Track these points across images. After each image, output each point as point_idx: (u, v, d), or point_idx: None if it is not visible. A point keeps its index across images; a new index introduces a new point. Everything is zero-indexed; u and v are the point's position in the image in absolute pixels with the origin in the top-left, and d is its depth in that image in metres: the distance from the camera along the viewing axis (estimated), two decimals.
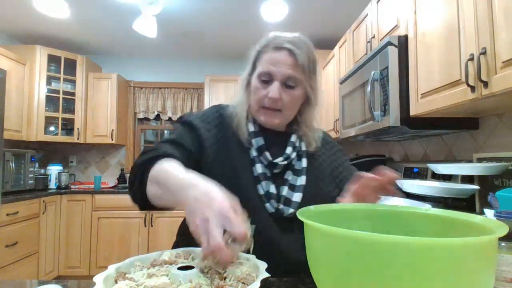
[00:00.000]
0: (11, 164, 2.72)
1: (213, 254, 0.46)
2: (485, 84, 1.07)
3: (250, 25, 3.11)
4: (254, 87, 0.82)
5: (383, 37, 1.86)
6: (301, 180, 0.81)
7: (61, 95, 3.38)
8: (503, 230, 0.37)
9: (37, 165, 3.19)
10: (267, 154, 0.81)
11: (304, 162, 0.84)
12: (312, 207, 0.56)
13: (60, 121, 3.37)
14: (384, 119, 1.62)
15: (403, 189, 1.55)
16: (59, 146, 3.74)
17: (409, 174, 1.96)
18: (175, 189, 0.57)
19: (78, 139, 3.46)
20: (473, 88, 1.12)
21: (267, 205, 0.77)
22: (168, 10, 2.76)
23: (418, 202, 1.55)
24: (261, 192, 0.77)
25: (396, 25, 1.71)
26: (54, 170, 3.37)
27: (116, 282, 0.50)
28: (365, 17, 2.15)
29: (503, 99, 1.14)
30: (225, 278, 0.51)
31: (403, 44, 1.57)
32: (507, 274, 0.51)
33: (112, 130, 3.56)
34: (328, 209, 0.58)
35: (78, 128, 3.47)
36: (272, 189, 0.78)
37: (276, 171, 0.81)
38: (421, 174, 1.85)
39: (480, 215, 0.49)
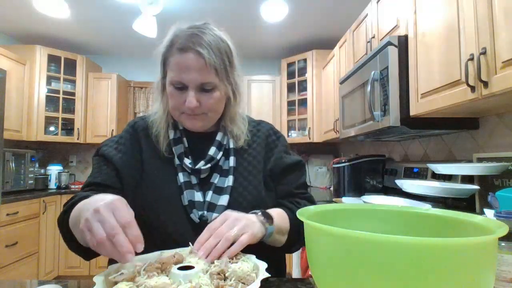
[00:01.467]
0: (11, 164, 2.72)
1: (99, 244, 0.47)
2: (485, 84, 1.07)
3: (250, 25, 3.11)
4: (169, 94, 0.74)
5: (383, 37, 1.86)
6: (229, 181, 0.76)
7: (61, 95, 3.38)
8: (503, 230, 0.37)
9: (37, 165, 3.19)
10: (187, 161, 0.76)
11: (231, 161, 0.79)
12: (312, 207, 0.56)
13: (60, 121, 3.37)
14: (384, 119, 1.62)
15: (403, 189, 1.55)
16: (59, 146, 3.74)
17: (409, 174, 1.96)
18: (78, 215, 0.57)
19: (78, 139, 3.46)
20: (473, 88, 1.12)
21: (192, 215, 0.73)
22: (168, 10, 2.76)
23: (418, 202, 1.55)
24: (185, 202, 0.73)
25: (396, 25, 1.71)
26: (54, 170, 3.37)
27: (116, 282, 0.49)
28: (365, 17, 2.15)
29: (503, 99, 1.14)
30: (225, 278, 0.51)
31: (403, 44, 1.57)
32: (507, 274, 0.52)
33: (112, 130, 3.56)
34: (328, 209, 0.58)
35: (78, 128, 3.47)
36: (198, 196, 0.74)
37: (203, 175, 0.77)
38: (421, 174, 1.85)
39: (480, 215, 0.49)
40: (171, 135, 0.79)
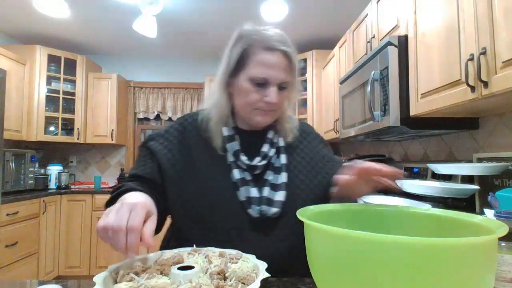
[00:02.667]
0: (11, 164, 2.72)
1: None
2: (485, 84, 1.07)
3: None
4: (245, 90, 0.77)
5: (383, 37, 1.86)
6: (282, 178, 0.79)
7: (61, 95, 3.38)
8: (503, 230, 0.37)
9: (37, 165, 3.20)
10: (244, 158, 0.78)
11: (283, 158, 0.82)
12: (312, 207, 0.56)
13: (60, 121, 3.37)
14: (384, 119, 1.62)
15: (403, 189, 1.55)
16: (59, 146, 3.74)
17: (409, 174, 1.96)
18: None
19: (78, 139, 3.47)
20: (473, 88, 1.12)
21: (250, 210, 0.75)
22: (168, 10, 2.76)
23: (418, 202, 1.55)
24: (242, 198, 0.75)
25: (396, 25, 1.71)
26: (54, 170, 3.37)
27: (116, 282, 0.50)
28: (365, 17, 2.15)
29: (503, 99, 1.14)
30: (225, 278, 0.51)
31: (403, 44, 1.57)
32: (507, 274, 0.52)
33: (112, 130, 3.56)
34: (328, 209, 0.58)
35: (78, 128, 3.47)
36: (254, 192, 0.76)
37: (256, 172, 0.79)
38: (421, 174, 1.85)
39: (480, 215, 0.49)
40: (225, 132, 0.81)
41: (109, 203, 0.72)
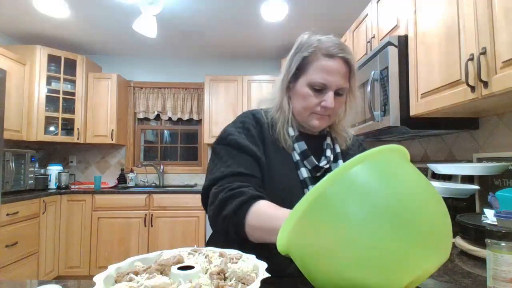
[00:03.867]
0: (11, 164, 2.72)
1: None
2: (485, 84, 1.07)
3: (250, 25, 3.11)
4: (304, 94, 0.81)
5: (383, 37, 1.86)
6: None
7: (61, 95, 3.38)
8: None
9: (37, 165, 3.20)
10: (313, 158, 0.82)
11: (340, 163, 0.86)
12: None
13: (60, 121, 3.37)
14: (384, 119, 1.62)
15: None
16: (59, 146, 3.74)
17: None
18: (274, 227, 0.58)
19: (78, 139, 3.47)
20: (473, 88, 1.12)
21: None
22: (168, 10, 2.76)
23: None
24: None
25: (396, 25, 1.71)
26: (54, 170, 3.37)
27: (116, 282, 0.50)
28: (365, 17, 2.15)
29: (503, 99, 1.14)
30: (225, 279, 0.51)
31: (403, 44, 1.57)
32: (507, 274, 0.52)
33: (112, 130, 3.56)
34: None
35: (78, 128, 3.47)
36: None
37: (318, 174, 0.83)
38: None
39: (480, 215, 0.49)
40: (292, 133, 0.85)
41: (233, 215, 0.69)
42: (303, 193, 0.78)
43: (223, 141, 0.82)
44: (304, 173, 0.80)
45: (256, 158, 0.79)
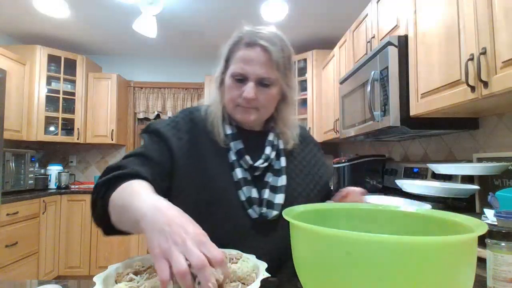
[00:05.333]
0: (11, 164, 2.72)
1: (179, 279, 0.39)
2: (485, 84, 1.07)
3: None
4: (228, 86, 0.78)
5: (383, 37, 1.86)
6: (282, 181, 0.79)
7: (61, 95, 3.38)
8: (482, 229, 0.38)
9: (37, 165, 3.19)
10: (248, 158, 0.78)
11: (283, 161, 0.82)
12: (301, 207, 0.56)
13: (60, 121, 3.37)
14: (384, 119, 1.62)
15: (403, 189, 1.55)
16: (59, 146, 3.74)
17: (409, 174, 1.96)
18: (137, 214, 0.49)
19: (78, 139, 3.47)
20: (473, 88, 1.12)
21: (250, 211, 0.75)
22: (168, 10, 2.76)
23: (418, 202, 1.55)
24: (243, 198, 0.75)
25: (396, 25, 1.71)
26: (54, 170, 3.37)
27: (116, 282, 0.49)
28: (365, 17, 2.15)
29: (503, 99, 1.14)
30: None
31: (403, 44, 1.57)
32: (507, 274, 0.52)
33: (112, 130, 3.56)
34: (315, 209, 0.58)
35: (78, 128, 3.47)
36: (254, 193, 0.76)
37: (256, 173, 0.79)
38: (421, 174, 1.85)
39: (480, 215, 0.49)
40: (228, 131, 0.81)
41: (103, 185, 0.62)
42: (237, 195, 0.75)
43: (147, 128, 0.81)
44: (238, 173, 0.76)
45: (171, 149, 0.76)
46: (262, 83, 0.76)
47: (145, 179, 0.63)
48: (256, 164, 0.78)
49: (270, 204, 0.76)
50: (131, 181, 0.60)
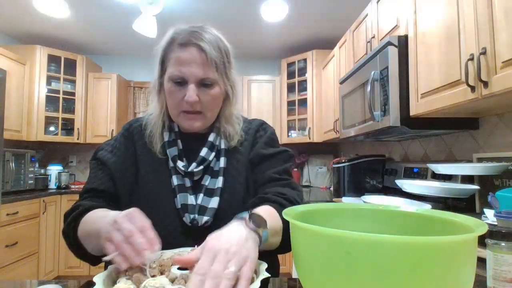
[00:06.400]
0: (11, 164, 2.72)
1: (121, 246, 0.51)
2: (485, 84, 1.07)
3: (250, 25, 3.11)
4: (168, 91, 0.74)
5: (383, 37, 1.86)
6: (219, 182, 0.76)
7: (61, 95, 3.38)
8: (482, 229, 0.38)
9: (37, 165, 3.19)
10: (180, 164, 0.76)
11: (222, 162, 0.78)
12: (300, 207, 0.56)
13: (60, 121, 3.37)
14: (384, 119, 1.62)
15: (403, 189, 1.55)
16: (59, 146, 3.74)
17: (409, 174, 1.96)
18: (92, 228, 0.61)
19: (78, 139, 3.46)
20: (473, 88, 1.12)
21: (184, 218, 0.73)
22: (168, 10, 2.76)
23: (418, 202, 1.55)
24: (178, 205, 0.74)
25: (396, 25, 1.71)
26: (54, 170, 3.37)
27: (116, 282, 0.49)
28: (365, 17, 2.15)
29: (503, 99, 1.14)
30: None
31: (403, 44, 1.57)
32: (507, 274, 0.52)
33: (112, 130, 3.56)
34: (315, 209, 0.58)
35: (78, 128, 3.47)
36: (191, 200, 0.74)
37: (196, 177, 0.77)
38: (421, 174, 1.85)
39: (480, 215, 0.49)
40: (166, 137, 0.79)
41: (68, 229, 0.71)
42: (174, 202, 0.74)
43: (93, 155, 0.83)
44: (175, 181, 0.75)
45: (111, 172, 0.78)
46: (203, 83, 0.73)
47: (100, 207, 0.71)
48: (190, 169, 0.76)
49: (203, 210, 0.74)
50: (87, 214, 0.68)
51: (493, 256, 0.53)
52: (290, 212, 0.51)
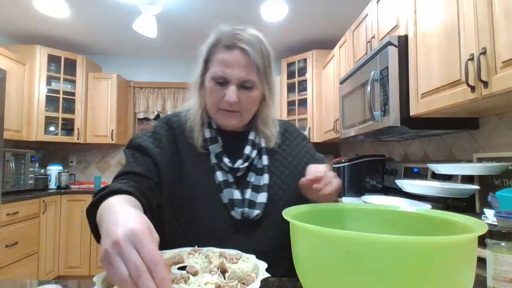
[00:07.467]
0: (11, 164, 2.72)
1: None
2: (485, 84, 1.07)
3: (250, 25, 3.10)
4: (209, 90, 0.77)
5: (383, 37, 1.86)
6: (264, 179, 0.79)
7: (61, 95, 3.38)
8: (482, 229, 0.38)
9: (37, 165, 3.19)
10: (226, 160, 0.78)
11: (265, 160, 0.81)
12: (301, 207, 0.56)
13: (60, 121, 3.37)
14: (384, 119, 1.62)
15: (403, 189, 1.55)
16: (59, 146, 3.74)
17: (409, 174, 1.96)
18: (99, 220, 0.50)
19: (78, 139, 3.47)
20: (473, 88, 1.12)
21: (233, 213, 0.75)
22: (168, 10, 2.76)
23: (418, 202, 1.55)
24: (225, 200, 0.75)
25: (396, 25, 1.71)
26: (54, 170, 3.37)
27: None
28: (365, 17, 2.15)
29: (503, 99, 1.14)
30: (225, 278, 0.51)
31: (403, 44, 1.57)
32: (507, 274, 0.52)
33: (112, 130, 3.56)
34: (315, 209, 0.58)
35: (78, 128, 3.47)
36: (236, 194, 0.76)
37: (239, 174, 0.79)
38: (421, 174, 1.85)
39: (480, 215, 0.49)
40: (207, 134, 0.81)
41: (90, 210, 0.61)
42: (219, 197, 0.75)
43: (129, 144, 0.81)
44: (219, 176, 0.76)
45: (155, 161, 0.76)
46: (243, 85, 0.76)
47: (127, 192, 0.61)
48: (236, 165, 0.78)
49: (252, 204, 0.76)
50: (108, 199, 0.57)
51: (493, 256, 0.53)
52: (290, 212, 0.51)
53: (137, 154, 0.78)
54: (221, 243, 0.67)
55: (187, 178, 0.77)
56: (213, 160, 0.79)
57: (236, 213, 0.75)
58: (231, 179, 0.78)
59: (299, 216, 0.52)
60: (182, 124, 0.83)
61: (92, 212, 0.63)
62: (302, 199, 0.79)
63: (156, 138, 0.80)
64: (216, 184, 0.76)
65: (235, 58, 0.74)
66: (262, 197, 0.76)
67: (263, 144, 0.83)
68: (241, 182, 0.79)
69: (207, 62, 0.79)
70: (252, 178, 0.79)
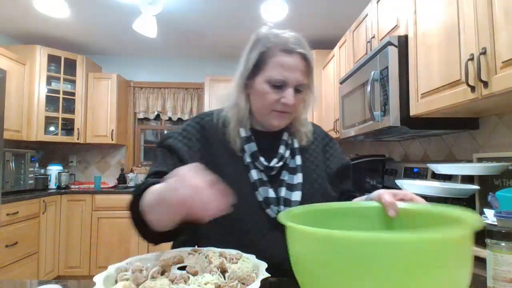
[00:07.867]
0: (11, 164, 2.72)
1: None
2: (485, 84, 1.07)
3: (250, 25, 3.11)
4: (262, 92, 0.79)
5: (383, 37, 1.86)
6: (298, 178, 0.81)
7: (61, 95, 3.38)
8: (477, 222, 0.38)
9: (37, 165, 3.19)
10: (262, 159, 0.80)
11: (298, 160, 0.84)
12: (298, 208, 0.56)
13: (60, 121, 3.37)
14: (384, 119, 1.62)
15: (403, 189, 1.55)
16: (59, 146, 3.74)
17: (409, 174, 1.96)
18: (160, 197, 0.58)
19: (78, 139, 3.47)
20: (473, 88, 1.12)
21: (268, 211, 0.77)
22: (168, 10, 2.76)
23: None
24: (260, 198, 0.77)
25: (396, 25, 1.71)
26: (54, 170, 3.37)
27: (116, 282, 0.50)
28: (365, 17, 2.15)
29: (503, 99, 1.14)
30: (225, 277, 0.51)
31: (403, 44, 1.57)
32: (507, 274, 0.52)
33: (112, 130, 3.56)
34: (314, 209, 0.59)
35: (78, 128, 3.47)
36: (271, 193, 0.78)
37: (273, 173, 0.81)
38: (421, 174, 1.85)
39: (480, 215, 0.49)
40: (243, 133, 0.83)
41: (133, 203, 0.67)
42: (254, 196, 0.77)
43: (160, 143, 0.83)
44: (254, 175, 0.79)
45: (183, 160, 0.77)
46: (297, 89, 0.79)
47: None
48: (271, 164, 0.81)
49: (288, 202, 0.78)
50: (151, 187, 0.64)
51: (493, 256, 0.53)
52: (287, 214, 0.51)
53: (167, 153, 0.80)
54: (258, 240, 0.69)
55: (221, 176, 0.78)
56: (248, 159, 0.81)
57: (272, 210, 0.77)
58: (265, 178, 0.80)
59: (297, 218, 0.52)
60: (214, 123, 0.85)
61: (135, 205, 0.67)
62: (331, 197, 0.84)
63: (186, 137, 0.83)
64: (251, 183, 0.78)
65: (295, 62, 0.78)
66: (296, 195, 0.79)
67: (296, 145, 0.87)
68: (274, 181, 0.81)
69: (258, 65, 0.80)
70: (285, 176, 0.82)
